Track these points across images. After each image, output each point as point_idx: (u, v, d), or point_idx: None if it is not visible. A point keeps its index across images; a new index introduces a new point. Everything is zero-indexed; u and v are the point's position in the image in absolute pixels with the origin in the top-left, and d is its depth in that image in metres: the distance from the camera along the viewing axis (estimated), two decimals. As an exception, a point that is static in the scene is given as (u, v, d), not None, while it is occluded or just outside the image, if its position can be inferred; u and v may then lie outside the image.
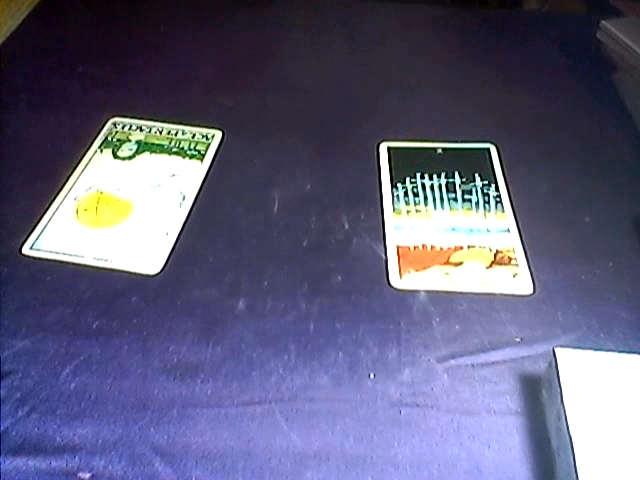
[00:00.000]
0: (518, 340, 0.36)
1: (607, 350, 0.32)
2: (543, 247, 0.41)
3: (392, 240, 0.41)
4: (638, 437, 0.28)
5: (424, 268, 0.39)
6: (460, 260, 0.40)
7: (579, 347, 0.32)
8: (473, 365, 0.35)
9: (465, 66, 0.52)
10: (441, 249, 0.41)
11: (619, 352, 0.32)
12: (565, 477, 0.28)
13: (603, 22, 0.56)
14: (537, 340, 0.36)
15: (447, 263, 0.40)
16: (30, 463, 0.31)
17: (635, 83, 0.53)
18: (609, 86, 0.55)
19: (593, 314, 0.37)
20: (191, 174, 0.46)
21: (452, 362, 0.35)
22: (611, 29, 0.56)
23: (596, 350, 0.32)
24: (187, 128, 0.49)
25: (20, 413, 0.33)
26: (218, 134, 0.49)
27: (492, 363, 0.35)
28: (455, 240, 0.41)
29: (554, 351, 0.31)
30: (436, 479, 0.30)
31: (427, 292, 0.38)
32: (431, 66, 0.57)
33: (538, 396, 0.33)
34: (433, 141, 0.47)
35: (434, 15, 0.59)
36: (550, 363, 0.32)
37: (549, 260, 0.40)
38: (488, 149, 0.48)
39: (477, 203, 0.43)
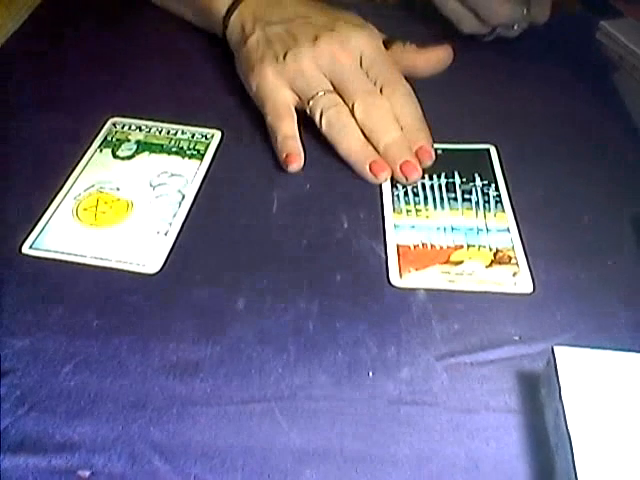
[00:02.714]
0: (517, 339, 0.36)
1: (606, 349, 0.32)
2: (542, 246, 0.41)
3: (392, 239, 0.41)
4: (636, 434, 0.28)
5: (424, 267, 0.39)
6: (460, 259, 0.40)
7: (578, 345, 0.32)
8: (472, 363, 0.35)
9: (465, 66, 0.53)
10: (441, 248, 0.41)
11: (617, 350, 0.32)
12: (564, 474, 0.28)
13: (602, 23, 0.57)
14: (536, 339, 0.36)
15: (447, 262, 0.40)
16: (30, 461, 0.31)
17: (634, 83, 0.53)
18: (609, 86, 0.55)
19: (592, 313, 0.37)
20: (191, 174, 0.46)
21: (451, 360, 0.35)
22: (610, 30, 0.56)
23: (595, 348, 0.32)
24: (187, 128, 0.50)
25: (20, 411, 0.33)
26: (218, 134, 0.49)
27: (491, 361, 0.35)
28: (455, 239, 0.41)
29: (553, 349, 0.32)
30: (435, 477, 0.30)
31: (427, 291, 0.38)
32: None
33: (537, 394, 0.33)
34: (433, 141, 0.47)
35: (434, 15, 0.59)
36: (549, 361, 0.32)
37: (548, 259, 0.40)
38: (488, 149, 0.48)
39: (477, 203, 0.44)
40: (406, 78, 0.49)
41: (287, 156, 0.45)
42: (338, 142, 0.46)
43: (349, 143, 0.46)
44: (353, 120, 0.46)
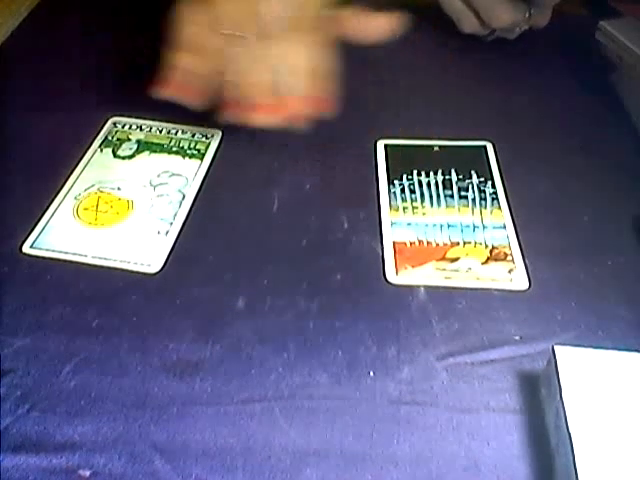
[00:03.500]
0: (517, 338, 0.36)
1: (606, 348, 0.32)
2: (541, 245, 0.41)
3: (388, 236, 0.41)
4: (637, 434, 0.28)
5: (420, 264, 0.40)
6: (456, 256, 0.40)
7: (578, 345, 0.32)
8: (472, 363, 0.35)
9: (464, 64, 0.53)
10: (437, 245, 0.41)
11: (618, 350, 0.32)
12: (564, 474, 0.29)
13: (602, 23, 0.57)
14: (536, 338, 0.36)
15: (443, 259, 0.40)
16: (30, 461, 0.31)
17: (634, 83, 0.53)
18: (608, 86, 0.55)
19: (592, 312, 0.37)
20: (191, 173, 0.46)
21: (451, 360, 0.35)
22: (609, 30, 0.56)
23: (595, 348, 0.32)
24: (187, 127, 0.49)
25: (20, 411, 0.33)
26: (218, 133, 0.49)
27: (491, 361, 0.35)
28: (451, 236, 0.41)
29: (553, 349, 0.32)
30: (435, 476, 0.31)
31: (426, 290, 0.38)
32: (430, 65, 0.58)
33: (537, 394, 0.33)
34: (430, 139, 0.47)
35: (434, 15, 0.59)
36: (549, 361, 0.32)
37: (547, 258, 0.40)
38: (485, 146, 0.48)
39: (473, 200, 0.44)
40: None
41: (160, 82, 0.44)
42: (226, 82, 0.45)
43: (237, 84, 0.45)
44: (248, 65, 0.45)
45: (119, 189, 0.44)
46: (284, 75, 0.45)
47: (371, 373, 0.34)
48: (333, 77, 0.46)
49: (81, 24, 0.62)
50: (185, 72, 0.45)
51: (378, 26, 0.51)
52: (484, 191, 0.44)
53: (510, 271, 0.39)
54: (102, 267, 0.39)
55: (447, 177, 0.45)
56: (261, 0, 0.46)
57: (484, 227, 0.42)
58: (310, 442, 0.32)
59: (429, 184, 0.45)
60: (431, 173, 0.46)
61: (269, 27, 0.46)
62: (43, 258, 0.40)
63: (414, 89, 0.54)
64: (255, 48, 0.45)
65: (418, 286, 0.39)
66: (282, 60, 0.46)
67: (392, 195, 0.44)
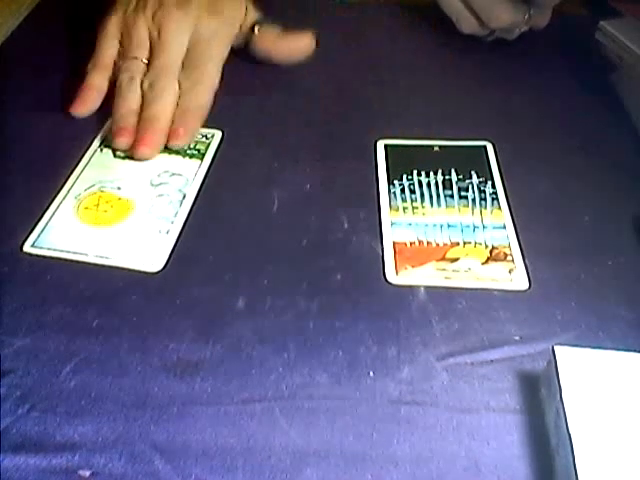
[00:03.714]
0: (517, 338, 0.36)
1: (606, 348, 0.32)
2: (541, 245, 0.41)
3: (388, 237, 0.41)
4: (637, 434, 0.28)
5: (420, 264, 0.40)
6: (456, 256, 0.40)
7: (578, 345, 0.32)
8: (472, 363, 0.35)
9: (464, 64, 0.53)
10: (437, 245, 0.41)
11: (618, 350, 0.32)
12: (564, 474, 0.29)
13: (602, 23, 0.57)
14: (536, 338, 0.36)
15: (443, 259, 0.40)
16: (30, 461, 0.31)
17: (634, 83, 0.53)
18: (608, 86, 0.55)
19: (592, 312, 0.37)
20: (191, 173, 0.46)
21: (451, 360, 0.35)
22: (610, 30, 0.56)
23: (595, 348, 0.32)
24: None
25: (20, 411, 0.33)
26: (218, 134, 0.49)
27: (491, 361, 0.35)
28: (451, 236, 0.41)
29: (553, 349, 0.32)
30: (435, 476, 0.30)
31: (426, 290, 0.38)
32: (429, 65, 0.58)
33: (537, 394, 0.33)
34: (430, 139, 0.47)
35: (434, 15, 0.59)
36: (549, 361, 0.32)
37: (547, 258, 0.40)
38: (484, 146, 0.48)
39: (473, 200, 0.44)
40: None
41: (74, 101, 0.49)
42: (114, 103, 0.48)
43: (118, 106, 0.48)
44: (139, 91, 0.48)
45: (119, 189, 0.44)
46: (184, 109, 0.48)
47: (371, 373, 0.34)
48: (204, 112, 0.49)
49: (81, 24, 0.62)
50: (91, 90, 0.50)
51: (299, 46, 0.54)
52: (484, 191, 0.44)
53: (510, 271, 0.39)
54: (103, 266, 0.39)
55: (447, 177, 0.45)
56: (172, 31, 0.50)
57: (484, 227, 0.42)
58: (310, 442, 0.32)
59: (429, 184, 0.45)
60: (431, 173, 0.46)
61: (175, 58, 0.50)
62: (44, 257, 0.40)
63: (414, 89, 0.54)
64: (149, 76, 0.49)
65: (418, 286, 0.39)
66: (188, 98, 0.48)
67: (392, 195, 0.44)
